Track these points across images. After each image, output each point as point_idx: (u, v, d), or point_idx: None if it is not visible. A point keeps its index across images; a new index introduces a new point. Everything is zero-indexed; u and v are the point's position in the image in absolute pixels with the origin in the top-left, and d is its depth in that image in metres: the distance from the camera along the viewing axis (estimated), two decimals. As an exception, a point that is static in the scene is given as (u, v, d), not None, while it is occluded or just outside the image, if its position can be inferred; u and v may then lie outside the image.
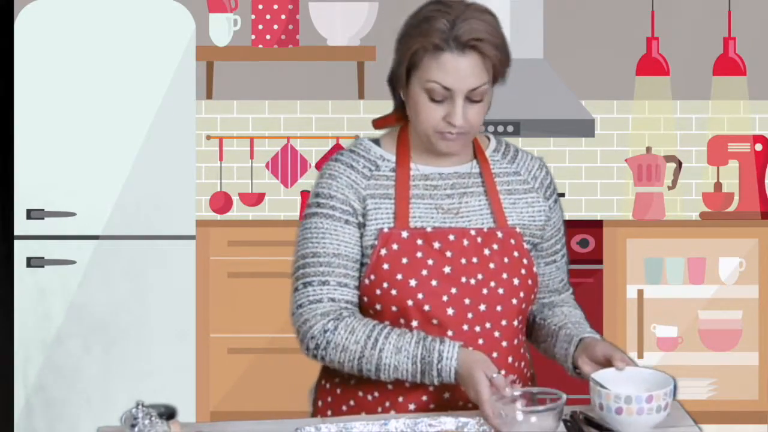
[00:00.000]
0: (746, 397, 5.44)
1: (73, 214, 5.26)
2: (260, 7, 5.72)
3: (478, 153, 2.58)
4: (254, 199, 5.86)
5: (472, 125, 2.46)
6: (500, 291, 2.49)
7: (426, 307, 2.46)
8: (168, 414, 2.23)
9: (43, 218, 5.24)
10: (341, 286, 2.48)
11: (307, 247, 2.50)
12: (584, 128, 5.61)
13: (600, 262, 5.45)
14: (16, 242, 5.26)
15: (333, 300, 2.47)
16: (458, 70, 2.41)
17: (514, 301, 2.50)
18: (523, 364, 2.56)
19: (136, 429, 2.16)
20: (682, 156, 5.84)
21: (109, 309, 5.25)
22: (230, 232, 5.47)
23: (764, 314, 5.44)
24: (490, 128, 5.55)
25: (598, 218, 5.71)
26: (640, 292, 5.45)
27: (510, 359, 2.51)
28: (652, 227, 5.52)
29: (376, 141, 2.58)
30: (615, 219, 5.69)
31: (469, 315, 2.47)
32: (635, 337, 5.43)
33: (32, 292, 5.25)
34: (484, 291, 2.48)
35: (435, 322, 2.46)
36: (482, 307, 2.47)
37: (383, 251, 2.48)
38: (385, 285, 2.47)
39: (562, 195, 5.87)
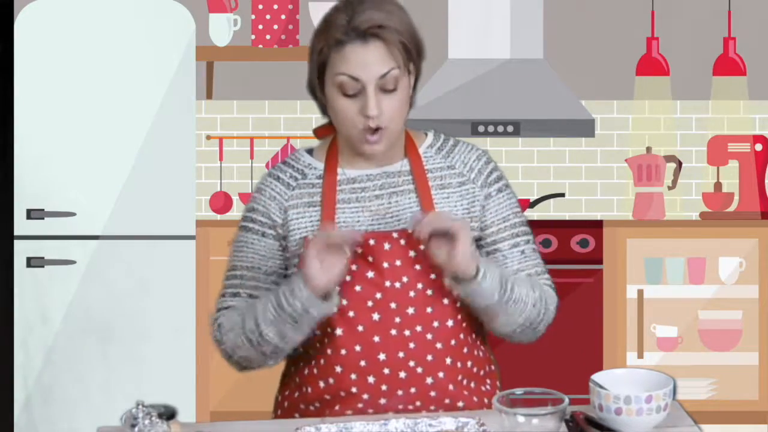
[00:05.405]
0: (746, 397, 5.43)
1: (73, 214, 5.26)
2: (260, 7, 5.71)
3: (409, 150, 2.56)
4: (254, 199, 5.85)
5: (390, 118, 2.44)
6: (429, 292, 2.46)
7: (351, 313, 2.44)
8: (168, 414, 2.24)
9: (43, 218, 5.24)
10: (251, 297, 2.56)
11: (231, 260, 2.61)
12: (584, 128, 5.61)
13: (600, 262, 5.45)
14: (16, 242, 5.25)
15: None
16: (363, 59, 2.40)
17: (446, 301, 2.47)
18: (470, 363, 2.52)
19: (136, 429, 2.16)
20: (682, 156, 5.83)
21: (109, 309, 5.24)
22: (230, 232, 5.38)
23: (764, 314, 5.43)
24: (491, 128, 5.55)
25: (598, 218, 5.71)
26: (640, 292, 5.45)
27: (448, 360, 2.47)
28: (652, 227, 5.52)
29: (311, 150, 2.60)
30: (615, 219, 5.69)
31: (397, 319, 2.45)
32: (635, 337, 5.43)
33: (32, 292, 5.25)
34: (411, 294, 2.45)
35: (360, 328, 2.45)
36: (410, 311, 2.45)
37: None
38: None
39: (561, 196, 5.89)
